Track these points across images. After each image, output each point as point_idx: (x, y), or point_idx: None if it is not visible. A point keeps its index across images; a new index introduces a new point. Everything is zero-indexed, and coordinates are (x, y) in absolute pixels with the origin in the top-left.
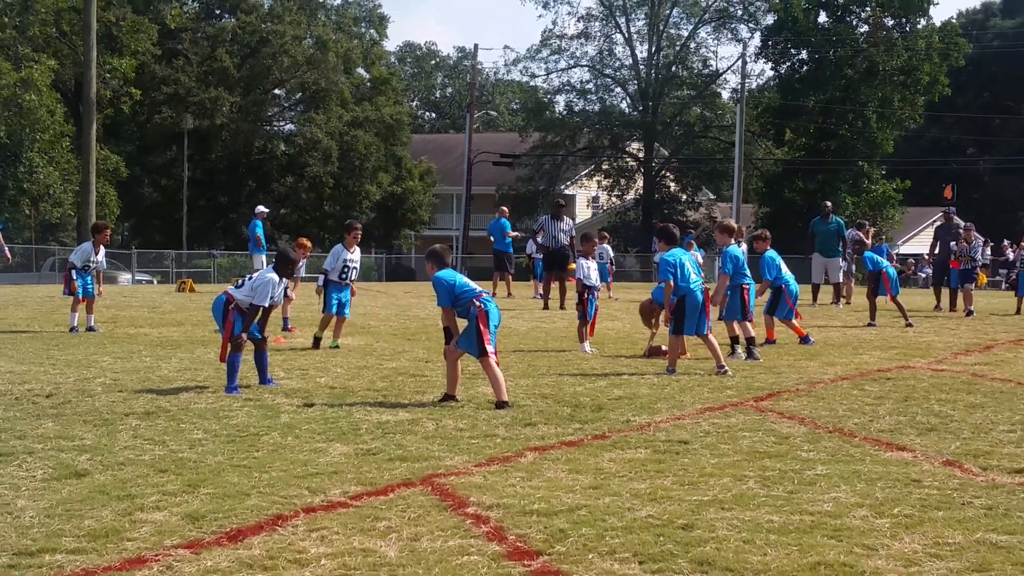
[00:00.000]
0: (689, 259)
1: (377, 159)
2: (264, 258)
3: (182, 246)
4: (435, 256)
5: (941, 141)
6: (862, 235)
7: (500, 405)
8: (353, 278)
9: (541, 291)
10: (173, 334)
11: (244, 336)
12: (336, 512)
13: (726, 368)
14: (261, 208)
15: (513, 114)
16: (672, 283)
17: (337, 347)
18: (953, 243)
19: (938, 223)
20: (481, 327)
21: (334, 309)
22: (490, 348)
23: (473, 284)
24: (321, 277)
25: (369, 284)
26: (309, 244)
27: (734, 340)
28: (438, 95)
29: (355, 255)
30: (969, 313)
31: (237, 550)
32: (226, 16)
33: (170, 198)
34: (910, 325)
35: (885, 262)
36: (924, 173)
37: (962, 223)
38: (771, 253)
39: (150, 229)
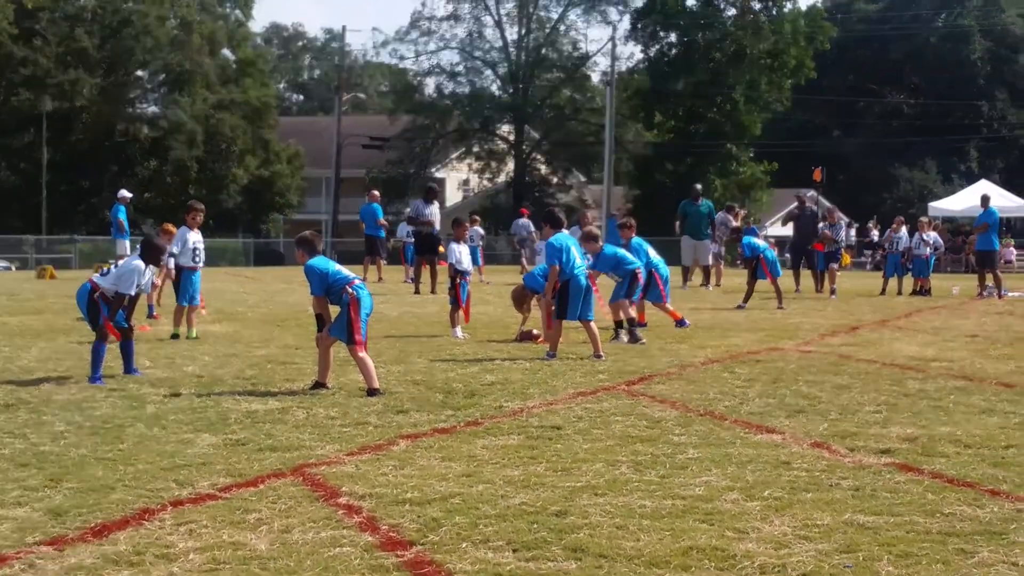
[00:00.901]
0: (575, 244)
1: (244, 142)
2: (128, 244)
3: (41, 231)
4: (306, 243)
5: (807, 124)
6: (731, 218)
7: (371, 392)
8: (202, 260)
9: (412, 275)
10: (33, 323)
11: (111, 324)
12: (205, 505)
13: (602, 355)
14: (124, 192)
15: (383, 97)
16: (557, 267)
17: (197, 337)
18: (822, 224)
19: (793, 208)
20: (352, 315)
21: (187, 301)
22: (360, 336)
23: (346, 271)
24: (171, 261)
25: (237, 269)
26: (175, 230)
27: (618, 324)
28: (306, 77)
29: (199, 236)
30: (832, 292)
31: (102, 546)
32: None
33: (29, 182)
34: (781, 308)
35: (763, 244)
36: (791, 155)
37: (827, 204)
38: (637, 240)
39: (8, 214)
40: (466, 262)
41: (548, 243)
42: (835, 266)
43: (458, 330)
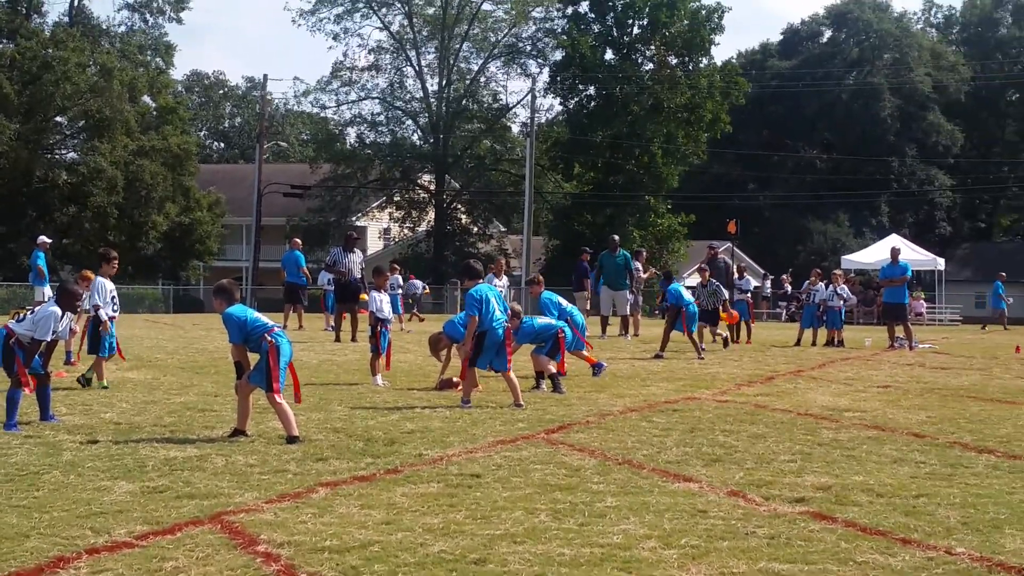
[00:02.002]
0: (495, 295)
1: (164, 189)
2: (47, 290)
3: None
4: (223, 292)
5: (723, 177)
6: (638, 263)
7: (291, 440)
8: (118, 309)
9: (332, 323)
10: None
11: (25, 371)
12: (121, 553)
13: (522, 404)
14: (43, 239)
15: (304, 145)
16: (476, 318)
17: (107, 387)
18: (737, 276)
19: (703, 261)
20: (271, 362)
21: (107, 351)
22: (278, 384)
23: (264, 319)
24: (101, 312)
25: (156, 316)
26: (93, 276)
27: (539, 374)
28: (227, 125)
29: (112, 284)
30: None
31: None
32: (4, 41)
33: None
34: (701, 358)
35: (689, 298)
36: (708, 207)
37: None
38: (546, 294)
39: None
40: (387, 310)
41: (468, 294)
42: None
43: (379, 378)
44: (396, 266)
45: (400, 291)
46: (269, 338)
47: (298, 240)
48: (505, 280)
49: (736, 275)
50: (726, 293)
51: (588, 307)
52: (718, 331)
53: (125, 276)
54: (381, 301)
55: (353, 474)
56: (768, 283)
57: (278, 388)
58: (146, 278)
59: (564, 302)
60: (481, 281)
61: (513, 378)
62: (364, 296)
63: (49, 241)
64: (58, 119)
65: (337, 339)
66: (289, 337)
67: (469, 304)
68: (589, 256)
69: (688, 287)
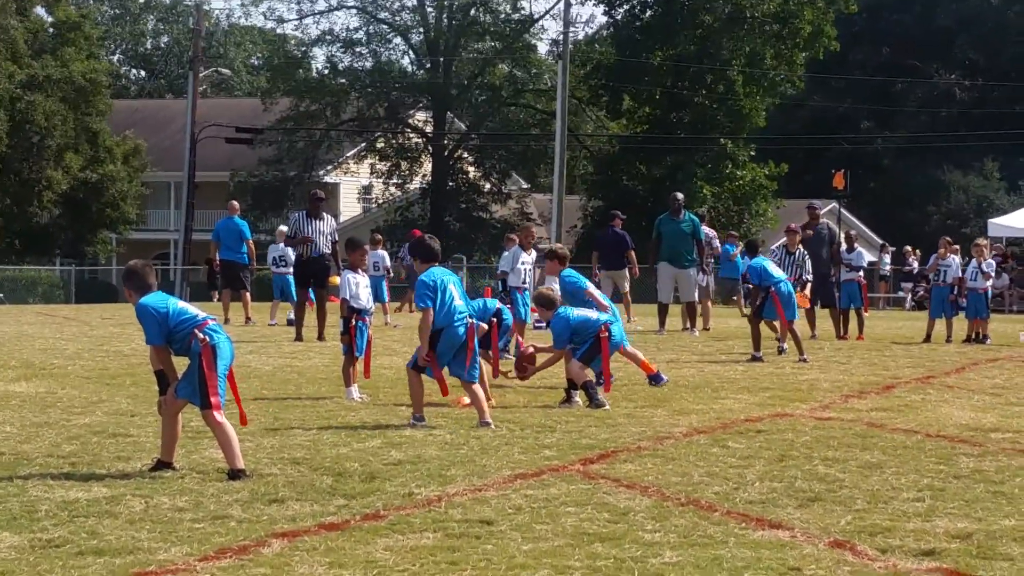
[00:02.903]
0: (455, 281)
1: (64, 134)
2: None
3: None
4: (134, 276)
5: (827, 113)
6: (710, 230)
7: (234, 475)
8: None
9: (292, 315)
10: None
11: None
12: None
13: (490, 423)
14: None
15: (254, 73)
16: (431, 311)
17: None
18: (845, 247)
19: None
20: (206, 368)
21: None
22: (217, 398)
23: (194, 309)
24: None
25: (53, 307)
26: None
27: (570, 385)
28: (150, 46)
29: None
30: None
31: None
32: None
33: None
34: (804, 360)
35: (779, 274)
36: (806, 155)
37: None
38: (570, 274)
39: None
40: (364, 297)
41: (419, 280)
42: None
43: (354, 389)
44: (379, 237)
45: (386, 272)
46: (201, 335)
47: (235, 203)
48: (533, 255)
49: (844, 246)
50: (810, 271)
51: (626, 289)
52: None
53: (10, 253)
54: (356, 285)
55: (319, 521)
56: (888, 257)
57: (217, 403)
58: (39, 256)
59: (591, 287)
60: (436, 264)
61: (478, 390)
62: (334, 279)
63: None
64: None
65: (298, 337)
66: (230, 334)
67: (420, 294)
68: (623, 222)
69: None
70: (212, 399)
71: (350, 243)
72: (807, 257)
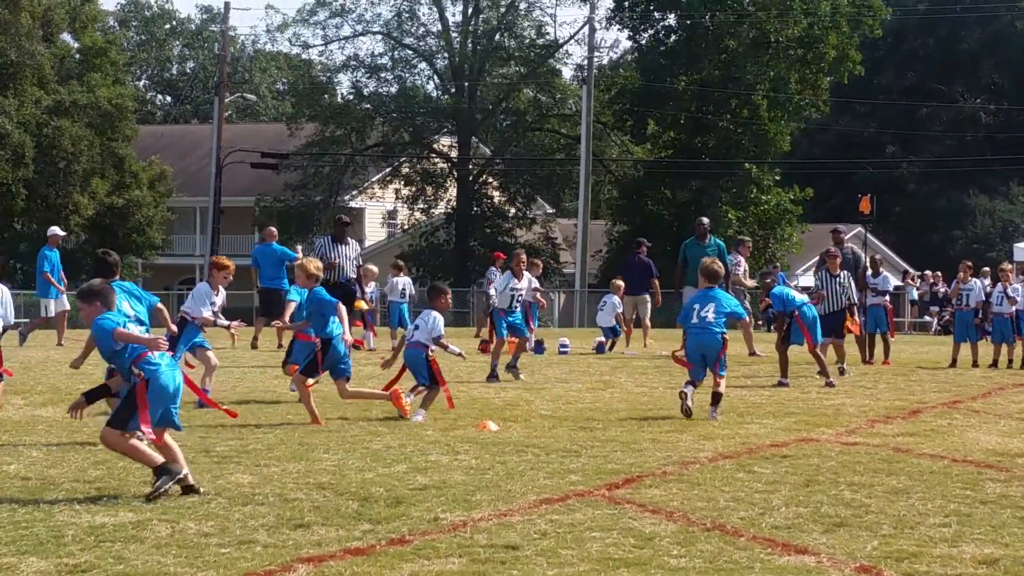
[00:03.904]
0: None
1: (90, 159)
2: (55, 304)
3: None
4: (94, 296)
5: (852, 137)
6: (740, 256)
7: (153, 494)
8: None
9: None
10: None
11: None
12: None
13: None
14: (54, 230)
15: (279, 98)
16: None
17: None
18: (871, 272)
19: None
20: (139, 400)
21: None
22: (148, 428)
23: (146, 336)
24: None
25: (79, 332)
26: None
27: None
28: (175, 71)
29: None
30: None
31: None
32: None
33: None
34: (830, 384)
35: (801, 298)
36: (831, 179)
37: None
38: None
39: None
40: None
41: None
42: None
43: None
44: (401, 263)
45: (405, 299)
46: (137, 369)
47: (274, 229)
48: (527, 282)
49: (870, 271)
50: (856, 294)
51: (647, 314)
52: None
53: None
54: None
55: (344, 546)
56: (915, 284)
57: (146, 427)
58: (66, 280)
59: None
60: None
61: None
62: (361, 303)
63: (62, 234)
64: None
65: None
66: (261, 359)
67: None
68: (647, 249)
69: (801, 287)
70: (126, 423)
71: (434, 290)
72: (851, 279)
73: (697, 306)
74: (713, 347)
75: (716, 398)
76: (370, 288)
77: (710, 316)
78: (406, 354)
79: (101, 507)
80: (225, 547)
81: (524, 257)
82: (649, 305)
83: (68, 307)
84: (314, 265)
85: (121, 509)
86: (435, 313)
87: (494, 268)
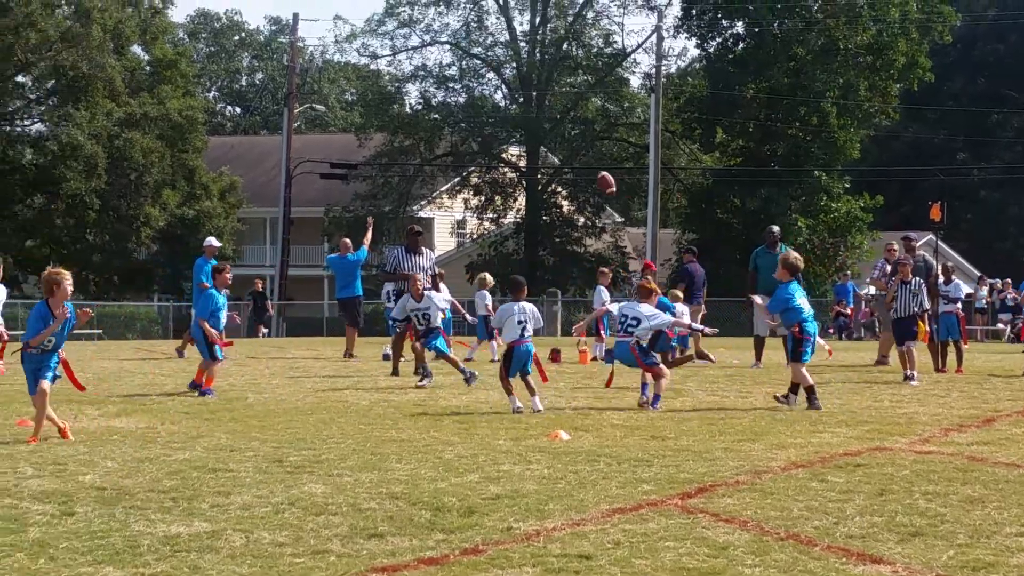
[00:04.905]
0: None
1: (161, 170)
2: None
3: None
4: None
5: (922, 144)
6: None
7: None
8: None
9: (387, 349)
10: None
11: None
12: None
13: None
14: (211, 241)
15: (348, 109)
16: None
17: None
18: (942, 280)
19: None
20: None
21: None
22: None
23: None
24: None
25: (151, 343)
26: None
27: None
28: (244, 83)
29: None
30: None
31: None
32: None
33: None
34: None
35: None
36: (901, 186)
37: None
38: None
39: None
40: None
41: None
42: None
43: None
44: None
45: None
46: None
47: (348, 240)
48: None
49: (941, 278)
50: (927, 300)
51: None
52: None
53: (109, 289)
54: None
55: (418, 555)
56: (985, 290)
57: None
58: (137, 291)
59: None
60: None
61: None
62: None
63: (218, 245)
64: (19, 79)
65: (394, 372)
66: (328, 371)
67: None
68: (696, 257)
69: (870, 295)
70: None
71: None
72: (922, 285)
73: (803, 299)
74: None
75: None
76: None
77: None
78: (617, 349)
79: (176, 517)
80: (299, 557)
81: (608, 272)
82: (699, 315)
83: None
84: None
85: (196, 519)
86: (643, 306)
87: (601, 287)
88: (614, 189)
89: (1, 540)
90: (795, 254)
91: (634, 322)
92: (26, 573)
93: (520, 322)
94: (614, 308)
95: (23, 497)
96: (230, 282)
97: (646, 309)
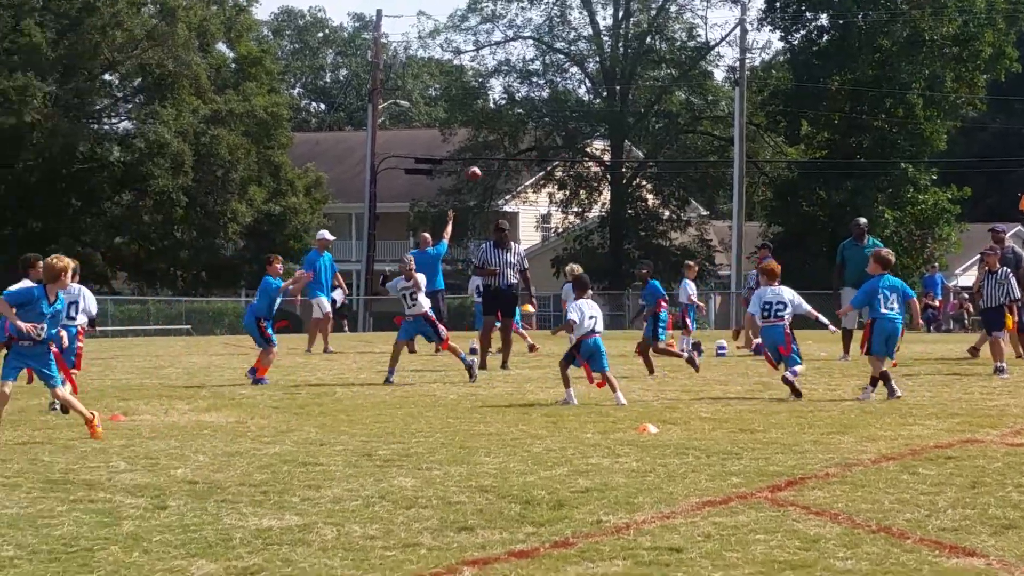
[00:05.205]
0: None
1: (247, 167)
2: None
3: None
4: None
5: (1011, 134)
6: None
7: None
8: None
9: (475, 344)
10: None
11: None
12: None
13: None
14: (324, 234)
15: (432, 105)
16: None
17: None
18: None
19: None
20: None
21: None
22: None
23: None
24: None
25: (239, 338)
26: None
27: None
28: (328, 79)
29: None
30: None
31: None
32: None
33: None
34: (1001, 371)
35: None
36: (988, 177)
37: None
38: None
39: None
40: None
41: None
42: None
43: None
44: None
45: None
46: None
47: (428, 235)
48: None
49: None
50: (1017, 290)
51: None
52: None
53: (197, 284)
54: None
55: (508, 548)
56: None
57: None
58: (225, 287)
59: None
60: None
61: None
62: (528, 307)
63: (331, 239)
64: (106, 77)
65: (482, 366)
66: (416, 365)
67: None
68: (771, 252)
69: (960, 287)
70: None
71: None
72: (1010, 275)
73: (883, 296)
74: (895, 335)
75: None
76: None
77: (896, 307)
78: (771, 333)
79: (267, 510)
80: (390, 550)
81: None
82: None
83: (327, 313)
84: None
85: (287, 512)
86: (785, 290)
87: (687, 280)
88: (476, 171)
89: (96, 533)
90: (887, 249)
91: (781, 306)
92: (121, 566)
93: (591, 317)
94: (753, 307)
95: (116, 491)
96: (281, 271)
97: (789, 293)
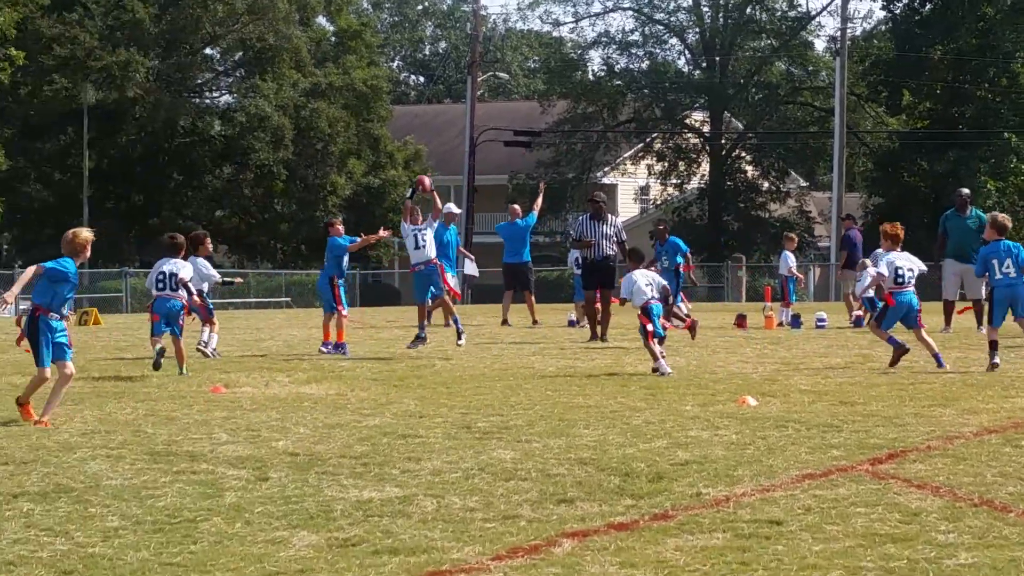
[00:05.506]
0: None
1: (346, 140)
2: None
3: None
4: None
5: None
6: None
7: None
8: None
9: (573, 316)
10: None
11: None
12: None
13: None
14: (450, 207)
15: (531, 77)
16: None
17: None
18: None
19: None
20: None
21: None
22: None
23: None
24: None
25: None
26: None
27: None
28: (428, 52)
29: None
30: None
31: None
32: None
33: (66, 198)
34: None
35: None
36: None
37: None
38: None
39: (40, 240)
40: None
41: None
42: None
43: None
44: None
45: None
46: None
47: (517, 206)
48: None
49: None
50: None
51: (848, 289)
52: None
53: (297, 257)
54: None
55: (608, 521)
56: None
57: None
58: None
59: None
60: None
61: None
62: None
63: (458, 212)
64: (207, 51)
65: (593, 336)
66: (512, 336)
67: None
68: (854, 223)
69: None
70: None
71: (632, 254)
72: None
73: (996, 261)
74: (1017, 299)
75: None
76: None
77: (1012, 271)
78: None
79: (367, 482)
80: (490, 522)
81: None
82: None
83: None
84: None
85: (387, 484)
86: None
87: (787, 252)
88: (426, 180)
89: (199, 504)
90: (1003, 214)
91: (910, 272)
92: (223, 537)
93: (648, 284)
94: (883, 268)
95: (219, 463)
96: (343, 232)
97: (915, 259)
